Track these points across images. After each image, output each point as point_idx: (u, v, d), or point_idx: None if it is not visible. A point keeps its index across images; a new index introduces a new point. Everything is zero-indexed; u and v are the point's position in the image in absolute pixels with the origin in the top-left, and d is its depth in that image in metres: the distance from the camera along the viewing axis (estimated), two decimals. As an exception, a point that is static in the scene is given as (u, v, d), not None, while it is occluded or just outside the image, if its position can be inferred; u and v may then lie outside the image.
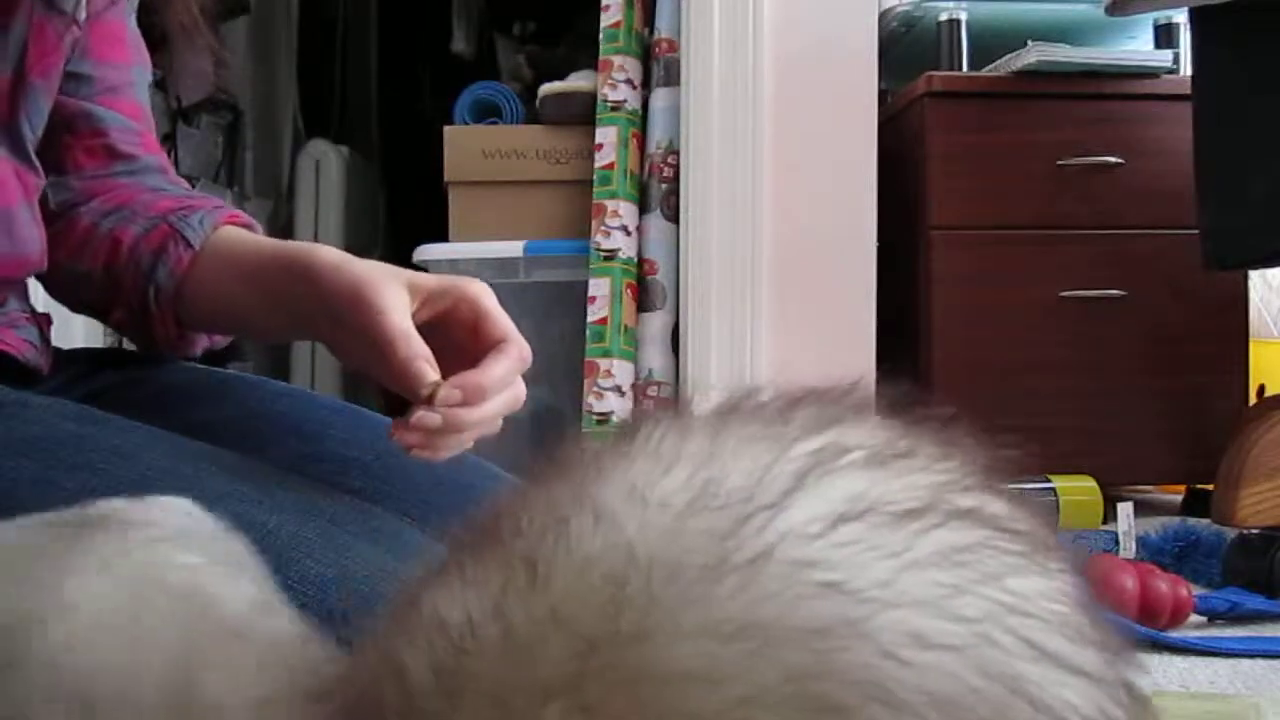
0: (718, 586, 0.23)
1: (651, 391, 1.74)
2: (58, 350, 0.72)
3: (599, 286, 1.79)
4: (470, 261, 1.89)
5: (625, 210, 1.83)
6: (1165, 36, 1.94)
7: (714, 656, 0.22)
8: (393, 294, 0.60)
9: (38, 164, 0.67)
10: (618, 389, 1.72)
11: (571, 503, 0.25)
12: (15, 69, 0.64)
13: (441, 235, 1.92)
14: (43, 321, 0.71)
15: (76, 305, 0.75)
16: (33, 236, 0.66)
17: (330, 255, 0.63)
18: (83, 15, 0.67)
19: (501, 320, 0.62)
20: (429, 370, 0.57)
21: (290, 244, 0.69)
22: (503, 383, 0.59)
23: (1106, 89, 1.80)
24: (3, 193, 0.64)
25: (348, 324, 0.60)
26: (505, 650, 0.23)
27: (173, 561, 0.33)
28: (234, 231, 0.70)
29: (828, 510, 0.25)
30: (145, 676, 0.30)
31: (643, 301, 1.82)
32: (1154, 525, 1.38)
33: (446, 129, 1.94)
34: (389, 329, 0.58)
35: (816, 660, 0.22)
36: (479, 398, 0.58)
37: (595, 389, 1.72)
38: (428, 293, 0.63)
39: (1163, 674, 0.95)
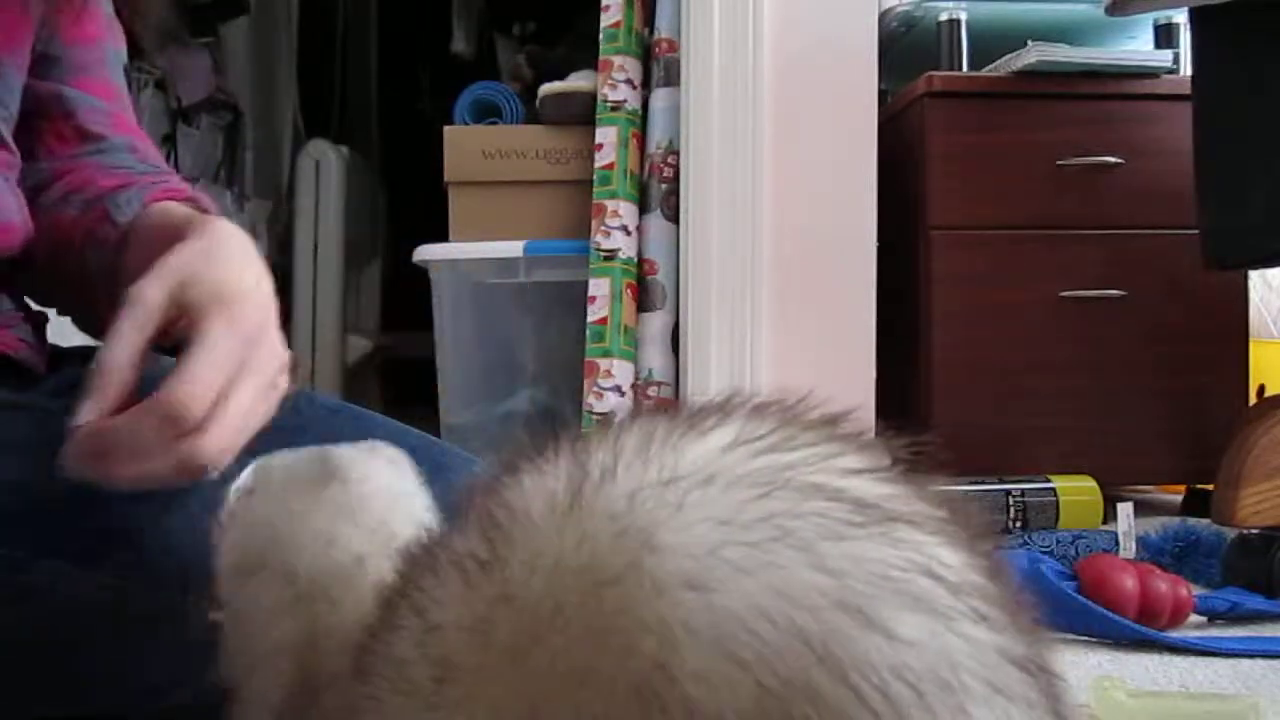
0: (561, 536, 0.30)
1: (651, 391, 1.74)
2: (54, 347, 0.72)
3: (599, 286, 1.79)
4: (470, 261, 1.89)
5: (625, 210, 1.83)
6: (1165, 36, 1.94)
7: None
8: (165, 273, 0.52)
9: (12, 144, 0.66)
10: (618, 389, 1.72)
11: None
12: None
13: (441, 235, 1.92)
14: (38, 319, 0.70)
15: (49, 304, 0.73)
16: (9, 206, 0.64)
17: (192, 218, 0.58)
18: None
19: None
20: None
21: (180, 212, 0.63)
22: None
23: (1106, 89, 1.80)
24: None
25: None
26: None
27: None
28: (163, 208, 0.64)
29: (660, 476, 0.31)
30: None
31: (643, 301, 1.82)
32: (1154, 525, 1.38)
33: (446, 129, 1.94)
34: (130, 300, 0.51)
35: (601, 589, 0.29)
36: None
37: (595, 389, 1.72)
38: (185, 303, 0.52)
39: (1163, 674, 0.95)
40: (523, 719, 0.29)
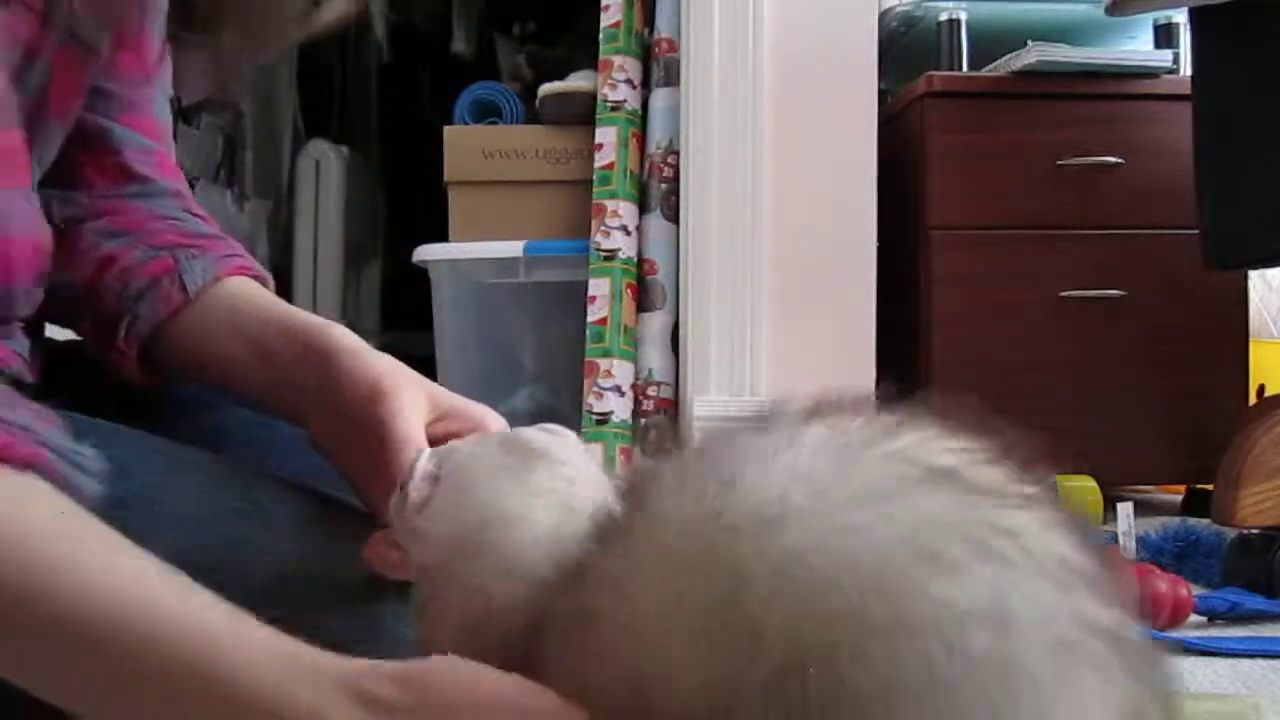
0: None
1: (651, 391, 1.74)
2: (50, 341, 0.70)
3: (599, 286, 1.79)
4: (470, 261, 1.89)
5: (625, 210, 1.82)
6: (1165, 36, 1.94)
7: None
8: (414, 397, 0.57)
9: (36, 197, 0.64)
10: (617, 389, 1.72)
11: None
12: (33, 110, 0.59)
13: (441, 235, 1.92)
14: (35, 329, 0.68)
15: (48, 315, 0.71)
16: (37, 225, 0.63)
17: (349, 340, 0.61)
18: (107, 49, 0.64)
19: None
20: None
21: (300, 315, 0.66)
22: None
23: (1106, 89, 1.80)
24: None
25: (354, 415, 0.57)
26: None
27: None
28: (242, 285, 0.67)
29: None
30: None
31: (643, 301, 1.82)
32: (1154, 525, 1.38)
33: (446, 129, 1.94)
34: (401, 431, 0.55)
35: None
36: None
37: (595, 389, 1.72)
38: (444, 410, 0.59)
39: (1163, 674, 0.94)
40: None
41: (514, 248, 1.86)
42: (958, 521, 0.34)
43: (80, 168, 0.68)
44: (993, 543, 0.33)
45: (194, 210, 0.72)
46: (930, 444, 0.36)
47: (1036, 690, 0.31)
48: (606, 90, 1.86)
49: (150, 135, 0.71)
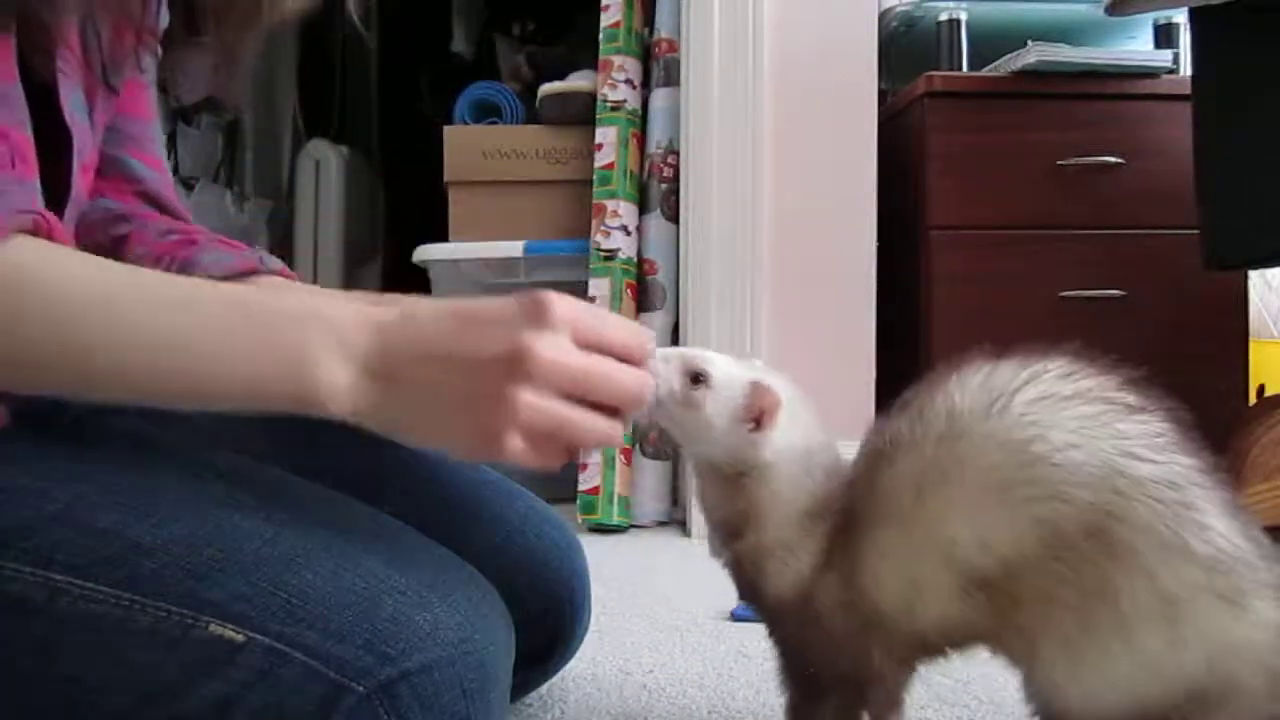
0: (985, 422, 0.62)
1: (651, 391, 1.74)
2: None
3: (599, 286, 1.79)
4: (470, 261, 1.89)
5: (625, 210, 1.83)
6: (1165, 36, 1.94)
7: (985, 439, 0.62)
8: None
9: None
10: (618, 389, 1.72)
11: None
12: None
13: (441, 235, 1.92)
14: None
15: None
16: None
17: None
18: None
19: None
20: None
21: None
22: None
23: (1106, 89, 1.80)
24: None
25: None
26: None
27: None
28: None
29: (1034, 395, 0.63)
30: None
31: (643, 301, 1.82)
32: (1154, 525, 1.38)
33: (446, 129, 1.94)
34: None
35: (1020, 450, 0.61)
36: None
37: (595, 389, 1.72)
38: None
39: (1163, 674, 0.95)
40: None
41: (514, 248, 1.86)
42: (1129, 434, 0.62)
43: (102, 193, 0.73)
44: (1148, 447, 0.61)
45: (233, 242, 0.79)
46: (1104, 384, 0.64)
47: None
48: (606, 90, 1.86)
49: (155, 169, 0.77)
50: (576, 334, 0.54)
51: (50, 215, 0.54)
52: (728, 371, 0.66)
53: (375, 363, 0.53)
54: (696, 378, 0.65)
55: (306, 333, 0.53)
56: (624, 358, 0.56)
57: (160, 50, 0.70)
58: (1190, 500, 0.58)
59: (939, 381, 0.64)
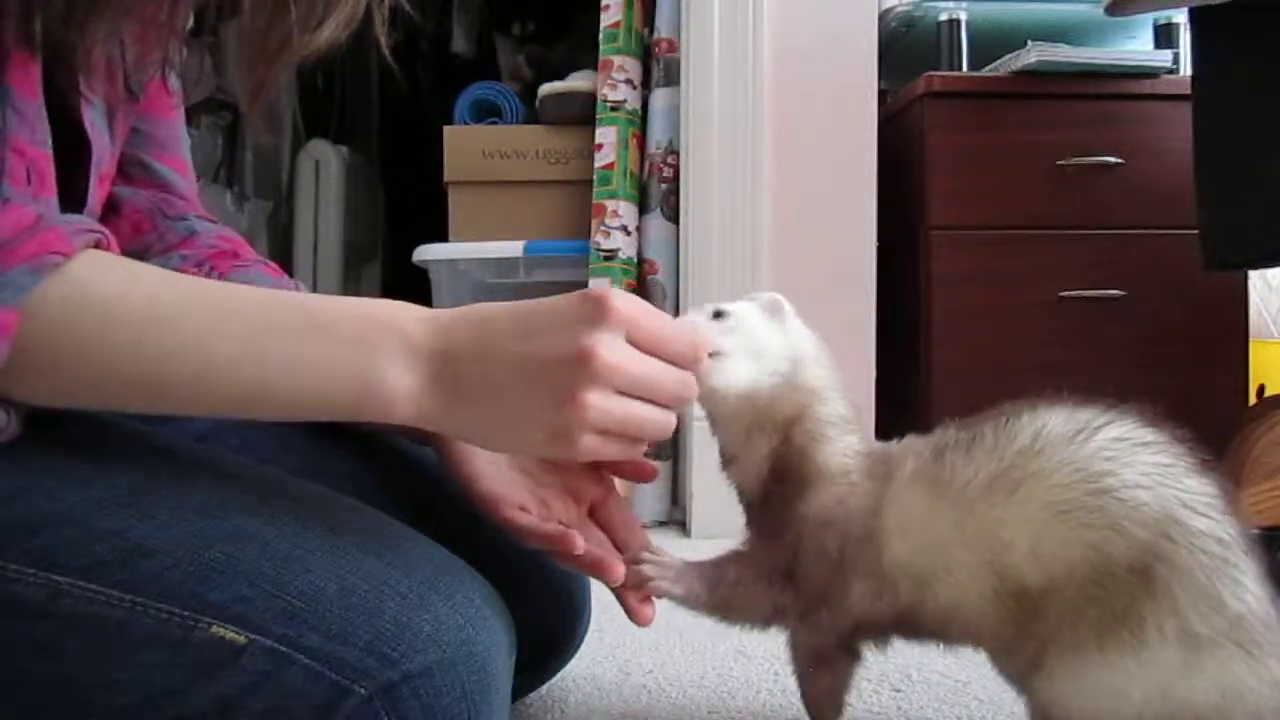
0: (1067, 447, 0.68)
1: (651, 391, 1.74)
2: None
3: (599, 286, 1.79)
4: (470, 261, 1.89)
5: (625, 210, 1.83)
6: (1165, 36, 1.94)
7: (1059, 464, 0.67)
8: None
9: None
10: (618, 389, 1.72)
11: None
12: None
13: (441, 235, 1.92)
14: None
15: None
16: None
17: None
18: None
19: None
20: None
21: None
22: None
23: (1106, 89, 1.80)
24: None
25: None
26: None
27: None
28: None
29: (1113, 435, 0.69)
30: None
31: (643, 301, 1.82)
32: (1154, 525, 1.38)
33: (446, 129, 1.94)
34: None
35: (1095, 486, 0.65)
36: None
37: (595, 389, 1.72)
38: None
39: (1163, 674, 0.95)
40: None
41: (514, 248, 1.86)
42: (1191, 489, 0.65)
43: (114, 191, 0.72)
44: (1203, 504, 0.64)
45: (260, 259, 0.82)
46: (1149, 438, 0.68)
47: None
48: (606, 90, 1.86)
49: (181, 173, 0.77)
50: (634, 335, 0.56)
51: (108, 231, 0.54)
52: (738, 303, 0.75)
53: (440, 366, 0.54)
54: (717, 314, 0.72)
55: (373, 337, 0.54)
56: (676, 363, 0.59)
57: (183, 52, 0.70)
58: (1233, 560, 0.62)
59: (1028, 405, 0.71)
